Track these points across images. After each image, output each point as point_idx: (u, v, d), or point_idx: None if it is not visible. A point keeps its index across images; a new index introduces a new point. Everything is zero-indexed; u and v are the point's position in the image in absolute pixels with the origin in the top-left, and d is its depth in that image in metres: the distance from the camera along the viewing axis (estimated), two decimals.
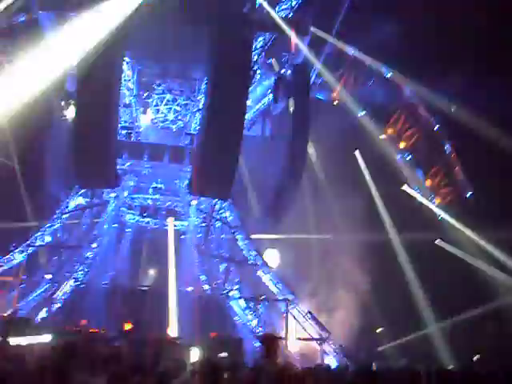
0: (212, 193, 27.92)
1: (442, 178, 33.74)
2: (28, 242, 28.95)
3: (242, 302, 28.51)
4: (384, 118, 34.11)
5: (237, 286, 28.78)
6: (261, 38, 29.46)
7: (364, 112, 34.01)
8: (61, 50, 29.76)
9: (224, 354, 22.16)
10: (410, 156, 34.01)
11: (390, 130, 34.12)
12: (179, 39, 28.23)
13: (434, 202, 33.60)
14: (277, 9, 29.24)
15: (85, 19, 28.24)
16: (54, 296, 28.78)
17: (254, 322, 27.97)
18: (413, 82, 32.51)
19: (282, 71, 30.99)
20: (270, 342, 5.97)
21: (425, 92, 31.54)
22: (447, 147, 33.00)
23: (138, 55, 30.35)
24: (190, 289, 29.04)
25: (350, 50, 32.50)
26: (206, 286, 29.86)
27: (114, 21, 25.80)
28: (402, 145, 34.04)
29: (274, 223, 28.87)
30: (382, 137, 33.99)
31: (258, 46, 29.47)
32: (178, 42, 28.94)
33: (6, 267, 28.74)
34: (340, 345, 26.86)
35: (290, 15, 28.98)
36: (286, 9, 29.23)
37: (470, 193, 32.95)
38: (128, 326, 25.56)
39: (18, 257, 28.86)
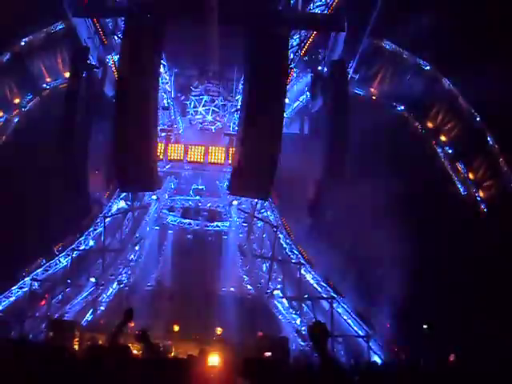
0: (252, 193, 27.89)
1: (486, 170, 33.04)
2: (72, 246, 29.37)
3: (285, 302, 28.42)
4: (423, 111, 33.66)
5: (280, 286, 28.69)
6: (297, 36, 29.32)
7: (403, 106, 33.66)
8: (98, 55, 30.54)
9: (268, 354, 22.25)
10: (451, 149, 33.43)
11: (429, 124, 33.62)
12: (215, 40, 28.29)
13: (477, 196, 32.95)
14: (312, 5, 29.12)
15: (119, 23, 28.85)
16: (99, 299, 29.21)
17: (298, 321, 27.88)
18: (452, 75, 32.04)
19: (319, 68, 30.78)
20: (321, 332, 5.79)
21: (464, 84, 31.05)
22: (489, 139, 32.27)
23: (175, 57, 30.54)
24: (233, 289, 29.13)
25: (387, 45, 32.17)
26: (249, 286, 29.89)
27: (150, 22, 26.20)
28: (442, 138, 33.51)
29: (313, 223, 28.68)
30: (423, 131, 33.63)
31: (294, 44, 29.31)
32: (214, 43, 29.01)
33: (51, 271, 29.24)
34: (386, 342, 26.59)
35: (325, 11, 28.78)
36: (321, 5, 29.08)
37: None
38: (177, 328, 25.83)
39: (62, 261, 29.31)
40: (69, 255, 29.25)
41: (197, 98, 30.77)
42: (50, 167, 28.60)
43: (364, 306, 27.28)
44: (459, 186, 33.44)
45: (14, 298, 28.48)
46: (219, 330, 27.02)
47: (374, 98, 33.04)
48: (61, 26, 31.67)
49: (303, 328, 27.49)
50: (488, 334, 24.11)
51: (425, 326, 29.75)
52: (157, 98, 27.98)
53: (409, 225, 25.36)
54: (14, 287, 28.49)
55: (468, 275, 27.07)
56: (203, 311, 28.28)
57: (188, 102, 31.16)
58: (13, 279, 28.83)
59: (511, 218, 29.58)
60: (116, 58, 29.52)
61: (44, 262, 29.26)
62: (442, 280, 27.01)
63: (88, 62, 30.17)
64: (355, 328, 27.59)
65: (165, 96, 30.83)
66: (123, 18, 27.21)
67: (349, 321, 27.69)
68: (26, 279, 28.64)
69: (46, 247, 29.68)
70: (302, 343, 26.95)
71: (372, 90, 33.01)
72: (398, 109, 33.29)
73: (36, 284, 28.99)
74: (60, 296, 29.16)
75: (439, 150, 33.75)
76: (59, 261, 29.32)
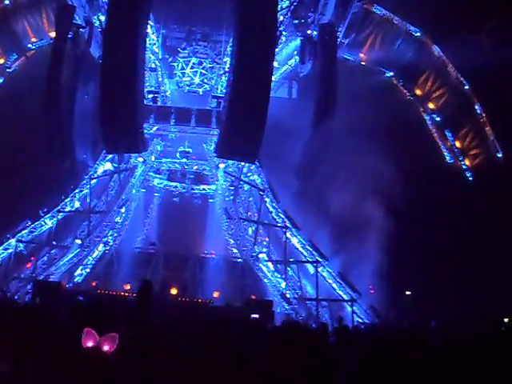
0: (239, 156, 27.83)
1: (472, 139, 33.11)
2: (58, 208, 29.14)
3: (270, 265, 28.49)
4: (412, 78, 33.56)
5: (265, 249, 28.73)
6: None
7: (392, 73, 33.54)
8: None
9: (255, 316, 22.41)
10: (440, 117, 33.43)
11: (418, 91, 33.57)
12: (204, 1, 27.98)
13: (463, 164, 33.07)
14: None
15: None
16: (85, 261, 29.12)
17: (283, 285, 27.98)
18: (442, 42, 31.89)
19: (309, 32, 30.50)
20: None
21: (454, 51, 30.92)
22: (477, 107, 32.28)
23: (163, 18, 30.14)
24: (218, 253, 29.13)
25: (377, 9, 31.91)
26: (235, 250, 29.92)
27: None
28: (430, 105, 33.50)
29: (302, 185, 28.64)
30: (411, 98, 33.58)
31: (283, 6, 29.00)
32: (202, 4, 28.68)
33: (36, 233, 29.08)
34: (371, 305, 26.76)
35: None
36: None
37: (500, 154, 32.31)
38: (174, 291, 25.93)
39: (48, 222, 29.12)
40: (54, 217, 29.01)
41: (184, 59, 30.48)
42: (35, 129, 28.35)
43: (348, 269, 27.38)
44: (446, 154, 33.54)
45: None
46: (216, 294, 26.93)
47: (363, 63, 32.85)
48: None
49: (288, 291, 27.63)
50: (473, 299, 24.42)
51: (407, 293, 30.09)
52: (144, 59, 27.74)
53: (395, 188, 25.36)
54: None
55: (452, 241, 27.25)
56: (188, 274, 28.37)
57: (176, 64, 30.85)
58: None
59: (496, 186, 29.74)
60: (103, 18, 29.07)
61: (29, 223, 29.02)
62: (426, 245, 27.16)
63: (74, 21, 29.80)
64: (339, 292, 27.71)
65: (152, 57, 30.47)
66: None
67: (334, 285, 27.79)
68: (10, 240, 28.39)
69: (31, 209, 29.44)
70: (287, 306, 27.07)
71: (361, 55, 32.82)
72: (387, 75, 33.17)
73: (21, 245, 28.78)
74: (45, 258, 29.00)
75: (427, 118, 33.75)
76: (44, 222, 29.09)
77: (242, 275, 28.54)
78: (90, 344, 3.79)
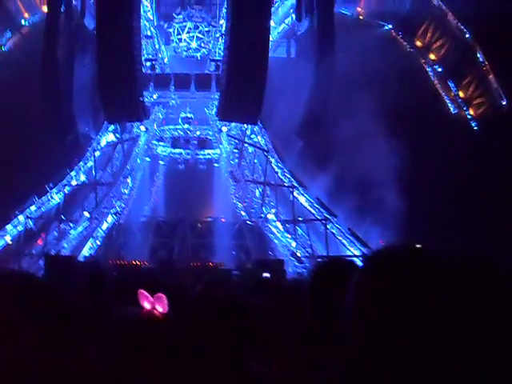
0: (241, 118, 27.80)
1: (475, 88, 32.73)
2: (64, 182, 29.17)
3: (279, 225, 28.52)
4: (411, 30, 33.08)
5: (274, 210, 28.73)
6: None
7: (390, 25, 33.07)
8: None
9: (267, 275, 22.46)
10: (441, 68, 33.01)
11: (418, 43, 33.11)
12: None
13: (468, 113, 32.75)
14: None
15: None
16: (95, 233, 29.25)
17: (293, 244, 28.05)
18: None
19: None
20: None
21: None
22: (479, 56, 31.83)
23: None
24: (226, 216, 29.16)
25: None
26: (243, 213, 29.95)
27: None
28: (431, 56, 33.04)
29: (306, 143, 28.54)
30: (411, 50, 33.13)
31: None
32: None
33: (44, 208, 29.17)
34: None
35: None
36: None
37: (504, 102, 31.93)
38: None
39: (55, 197, 29.19)
40: (61, 191, 29.10)
41: (180, 25, 30.18)
42: (37, 106, 28.26)
43: (358, 225, 27.35)
44: (449, 105, 33.20)
45: (8, 236, 28.41)
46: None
47: (360, 17, 32.43)
48: None
49: (298, 251, 27.70)
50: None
51: (418, 246, 29.99)
52: (139, 27, 27.58)
53: (401, 141, 25.17)
54: (7, 226, 28.38)
55: (461, 191, 27.09)
56: (197, 240, 28.49)
57: (171, 30, 30.55)
58: (7, 219, 28.73)
59: (501, 135, 29.47)
60: None
61: (37, 199, 29.09)
62: (435, 196, 27.00)
63: None
64: (350, 248, 27.73)
65: (147, 25, 30.23)
66: None
67: (344, 241, 27.81)
68: (19, 217, 28.51)
69: (37, 185, 29.47)
70: (298, 265, 27.17)
71: (359, 9, 32.45)
72: (386, 28, 32.69)
73: (30, 222, 28.90)
74: (55, 232, 29.15)
75: (429, 69, 33.33)
76: (52, 197, 29.17)
77: (251, 237, 28.60)
78: (147, 306, 3.68)
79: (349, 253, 27.52)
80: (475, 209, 26.06)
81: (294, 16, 30.90)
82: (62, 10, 29.45)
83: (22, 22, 33.03)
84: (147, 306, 3.66)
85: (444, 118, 31.90)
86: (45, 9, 30.64)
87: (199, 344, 3.23)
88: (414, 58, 32.86)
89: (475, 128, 32.53)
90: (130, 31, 26.29)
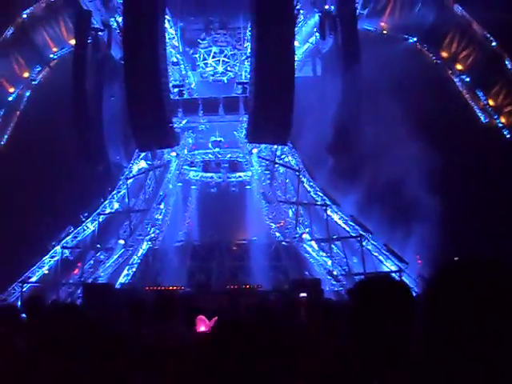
0: (271, 139, 27.78)
1: (505, 96, 32.32)
2: (98, 211, 29.50)
3: (314, 244, 28.38)
4: (436, 41, 32.87)
5: (308, 229, 28.62)
6: None
7: (415, 38, 32.91)
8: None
9: (304, 295, 22.33)
10: (469, 77, 32.71)
11: (444, 53, 32.86)
12: None
13: (499, 122, 32.33)
14: None
15: None
16: (130, 260, 29.43)
17: (329, 263, 27.87)
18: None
19: (326, 7, 30.17)
20: None
21: (477, 8, 30.15)
22: (508, 63, 31.47)
23: (179, 11, 30.13)
24: (260, 238, 29.09)
25: None
26: (278, 233, 29.89)
27: None
28: (458, 67, 32.76)
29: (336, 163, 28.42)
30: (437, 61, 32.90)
31: None
32: None
33: (80, 238, 29.49)
34: (419, 274, 26.41)
35: None
36: None
37: None
38: None
39: (90, 226, 29.52)
40: (95, 220, 29.43)
41: (205, 50, 30.50)
42: (68, 137, 28.69)
43: (393, 240, 27.06)
44: (480, 114, 32.82)
45: (46, 267, 28.77)
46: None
47: (384, 32, 32.32)
48: None
49: (334, 269, 27.51)
50: None
51: (456, 259, 29.53)
52: (165, 55, 27.83)
53: (431, 153, 24.90)
54: (45, 257, 28.77)
55: (496, 201, 26.68)
56: (234, 262, 28.48)
57: (197, 56, 30.89)
58: (44, 251, 29.15)
59: None
60: (120, 19, 29.21)
61: (72, 229, 29.45)
62: (467, 207, 26.61)
63: (92, 26, 30.04)
64: (387, 264, 27.45)
65: (173, 52, 30.55)
66: None
67: (380, 257, 27.54)
68: (56, 248, 28.88)
69: (72, 215, 29.87)
70: (335, 283, 26.96)
71: (382, 24, 32.28)
72: (411, 41, 32.54)
73: (67, 252, 29.25)
74: (91, 261, 29.42)
75: (456, 80, 33.06)
76: (87, 227, 29.52)
77: (288, 257, 28.51)
78: (202, 329, 3.69)
79: (385, 268, 27.31)
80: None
81: (317, 34, 30.98)
82: (88, 41, 30.03)
83: (51, 55, 33.59)
84: (204, 328, 3.67)
85: (474, 127, 31.57)
86: (72, 42, 31.14)
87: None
88: (441, 69, 32.61)
89: (507, 136, 32.10)
90: (157, 59, 26.52)
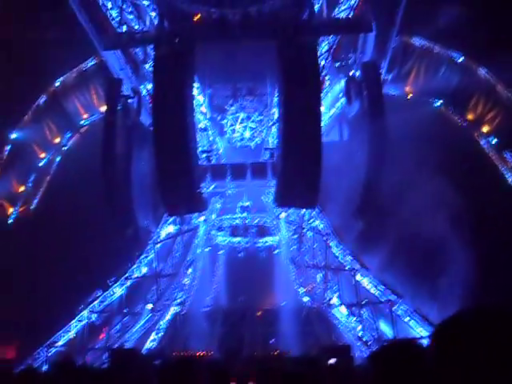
0: (299, 203, 27.80)
1: None
2: (126, 275, 29.60)
3: (343, 309, 28.03)
4: (462, 104, 33.06)
5: (337, 294, 28.33)
6: (325, 43, 29.33)
7: (440, 102, 33.15)
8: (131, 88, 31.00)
9: (333, 360, 21.90)
10: (496, 139, 32.70)
11: (470, 116, 32.99)
12: (245, 57, 28.52)
13: None
14: (336, 10, 29.06)
15: (148, 51, 29.34)
16: (157, 325, 29.27)
17: (359, 328, 27.44)
18: (486, 63, 31.44)
19: (351, 73, 30.65)
20: None
21: (501, 70, 30.42)
22: None
23: (207, 79, 30.81)
24: (289, 303, 28.85)
25: (417, 41, 31.82)
26: (306, 298, 29.61)
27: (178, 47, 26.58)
28: (485, 129, 32.81)
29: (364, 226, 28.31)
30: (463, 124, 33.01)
31: (323, 51, 29.30)
32: (243, 61, 29.24)
33: (107, 302, 29.50)
34: None
35: (350, 15, 28.68)
36: (345, 9, 28.96)
37: None
38: None
39: (117, 291, 29.55)
40: (123, 284, 29.50)
41: (233, 116, 31.02)
42: (97, 202, 29.04)
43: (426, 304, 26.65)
44: (507, 175, 32.64)
45: (73, 331, 28.73)
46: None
47: (409, 96, 32.63)
48: (92, 63, 32.22)
49: (364, 334, 27.06)
50: None
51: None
52: (193, 121, 28.27)
53: (458, 216, 24.76)
54: (72, 321, 28.77)
55: None
56: (264, 328, 28.19)
57: (225, 122, 31.40)
58: (72, 315, 29.18)
59: None
60: (149, 86, 29.92)
61: (100, 293, 29.52)
62: (498, 269, 26.18)
63: (122, 93, 30.76)
64: (418, 329, 26.93)
65: (201, 118, 31.08)
66: (152, 46, 27.57)
67: (410, 322, 27.06)
68: (83, 312, 28.90)
69: (100, 279, 30.00)
70: (365, 349, 26.45)
71: (407, 88, 32.62)
72: (436, 105, 32.78)
73: (94, 316, 29.23)
74: (118, 326, 29.33)
75: (483, 142, 33.05)
76: (114, 291, 29.56)
77: (318, 322, 28.15)
78: None
79: (416, 334, 26.78)
80: None
81: (343, 100, 31.37)
82: (118, 108, 30.70)
83: (81, 121, 34.37)
84: None
85: (502, 188, 31.40)
86: (103, 108, 31.84)
87: None
88: (467, 132, 32.68)
89: None
90: (185, 126, 26.93)
